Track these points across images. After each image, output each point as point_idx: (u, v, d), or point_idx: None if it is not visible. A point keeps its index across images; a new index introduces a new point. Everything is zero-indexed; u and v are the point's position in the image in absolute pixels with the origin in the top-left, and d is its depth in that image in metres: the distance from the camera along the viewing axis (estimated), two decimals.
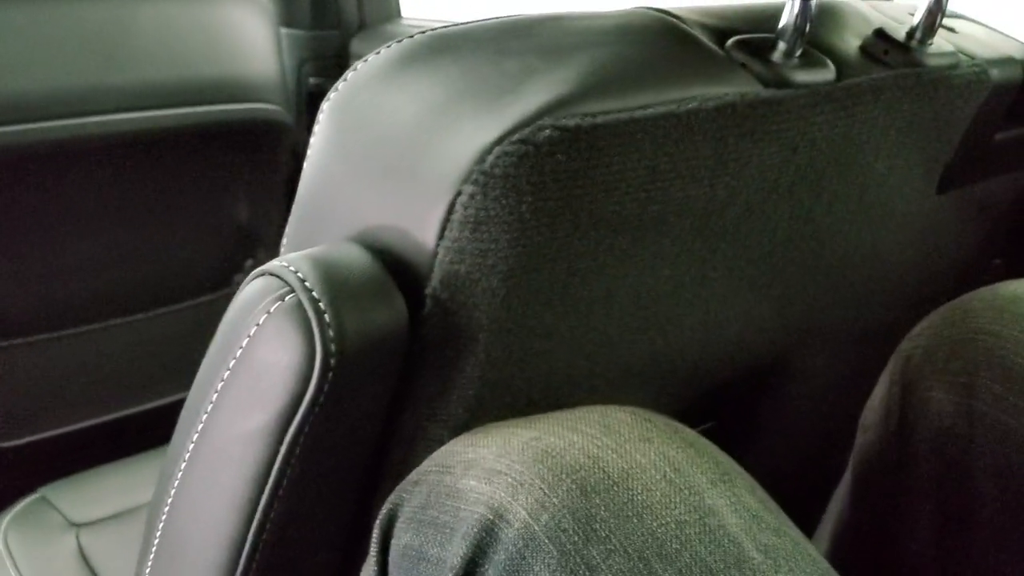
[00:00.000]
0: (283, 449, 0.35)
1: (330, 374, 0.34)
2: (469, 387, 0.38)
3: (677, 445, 0.33)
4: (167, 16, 1.08)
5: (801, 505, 0.52)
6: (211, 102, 1.10)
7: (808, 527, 0.67)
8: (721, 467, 0.34)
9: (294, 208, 0.41)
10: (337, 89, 0.40)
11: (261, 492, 0.36)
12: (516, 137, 0.34)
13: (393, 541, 0.34)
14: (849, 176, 0.47)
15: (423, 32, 0.39)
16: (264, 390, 0.34)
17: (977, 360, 0.46)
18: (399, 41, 0.40)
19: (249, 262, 1.25)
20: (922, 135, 0.50)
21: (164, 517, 0.40)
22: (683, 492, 0.31)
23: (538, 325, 0.38)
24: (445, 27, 0.40)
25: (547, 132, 0.34)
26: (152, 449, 1.08)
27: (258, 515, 0.36)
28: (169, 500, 0.40)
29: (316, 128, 0.40)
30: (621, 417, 0.34)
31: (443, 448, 0.35)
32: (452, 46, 0.39)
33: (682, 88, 0.39)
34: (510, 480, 0.31)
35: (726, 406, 0.57)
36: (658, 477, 0.31)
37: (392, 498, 0.35)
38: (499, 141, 0.34)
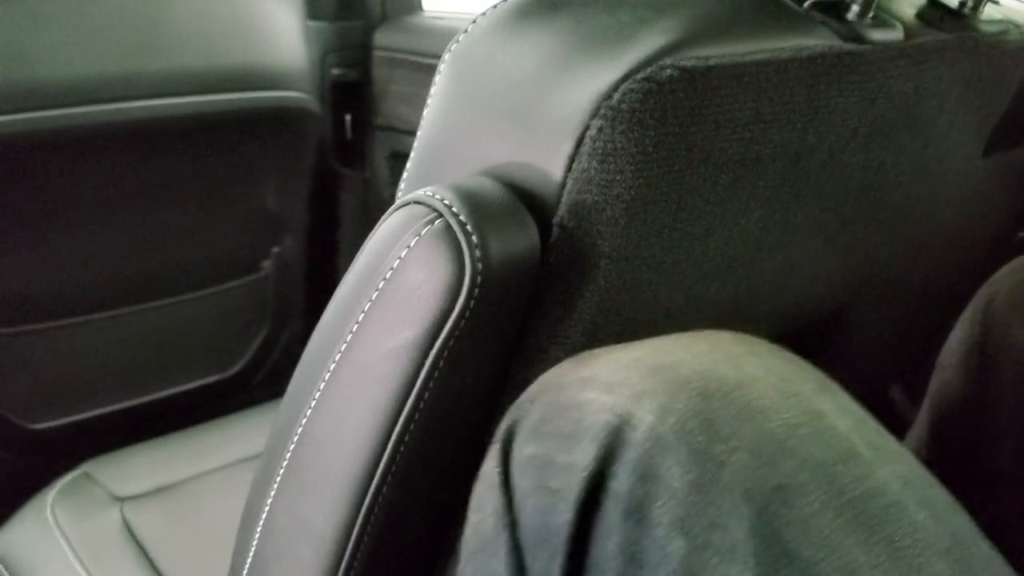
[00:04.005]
0: (428, 363, 0.38)
1: (476, 291, 0.36)
2: (587, 312, 0.41)
3: (781, 360, 0.36)
4: (201, 5, 1.10)
5: None
6: (242, 89, 1.13)
7: None
8: (820, 380, 0.36)
9: (413, 153, 0.44)
10: (458, 41, 0.43)
11: (402, 407, 0.39)
12: (640, 75, 0.37)
13: (514, 454, 0.36)
14: (916, 130, 0.50)
15: None
16: (414, 307, 0.37)
17: None
18: None
19: (276, 249, 1.27)
20: (976, 96, 0.54)
21: (296, 437, 0.43)
22: (793, 398, 0.33)
23: (649, 256, 0.41)
24: None
25: (668, 71, 0.37)
26: (187, 428, 1.10)
27: (398, 428, 0.39)
28: (303, 420, 0.42)
29: (436, 78, 0.43)
30: (724, 337, 0.37)
31: (553, 369, 0.37)
32: (564, 1, 0.42)
33: (777, 39, 0.42)
34: (631, 391, 0.33)
35: None
36: (768, 386, 0.33)
37: (509, 415, 0.37)
38: (625, 78, 0.37)
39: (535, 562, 0.34)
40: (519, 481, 0.35)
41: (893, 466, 0.33)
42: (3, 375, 1.09)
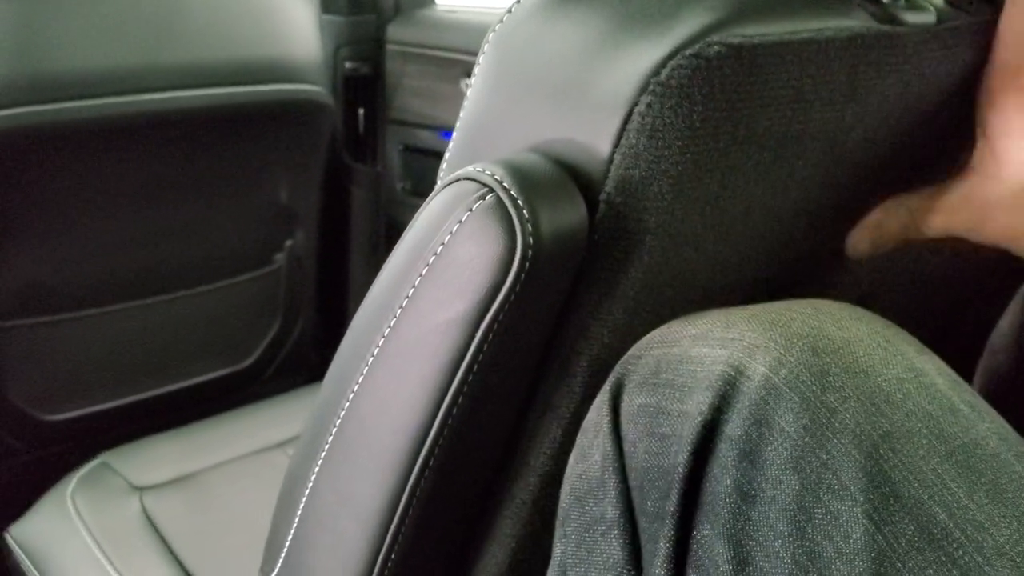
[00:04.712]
0: (478, 336, 0.38)
1: (527, 265, 0.37)
2: (630, 289, 0.41)
3: (881, 324, 0.38)
4: None
5: None
6: (256, 82, 1.13)
7: None
8: (918, 343, 0.38)
9: (456, 133, 0.44)
10: (501, 22, 0.43)
11: (451, 380, 0.39)
12: (689, 52, 0.38)
13: (624, 405, 0.38)
14: (943, 116, 0.51)
15: None
16: (466, 280, 0.38)
17: None
18: None
19: (288, 242, 1.27)
20: None
21: (343, 413, 0.43)
22: (897, 357, 0.35)
23: (691, 234, 0.42)
24: None
25: (716, 48, 0.38)
26: (201, 420, 1.11)
27: (446, 402, 0.40)
28: (351, 395, 0.43)
29: (480, 59, 0.44)
30: (826, 302, 0.39)
31: (660, 328, 0.39)
32: None
33: (817, 19, 0.43)
34: (744, 344, 0.35)
35: None
36: (874, 345, 0.35)
37: (616, 370, 0.39)
38: (673, 55, 0.38)
39: (645, 502, 0.36)
40: (629, 428, 0.37)
41: (989, 424, 0.34)
42: (18, 367, 1.09)
